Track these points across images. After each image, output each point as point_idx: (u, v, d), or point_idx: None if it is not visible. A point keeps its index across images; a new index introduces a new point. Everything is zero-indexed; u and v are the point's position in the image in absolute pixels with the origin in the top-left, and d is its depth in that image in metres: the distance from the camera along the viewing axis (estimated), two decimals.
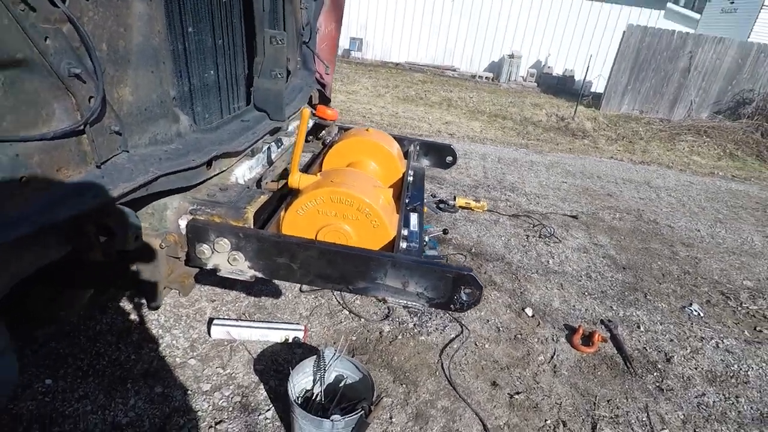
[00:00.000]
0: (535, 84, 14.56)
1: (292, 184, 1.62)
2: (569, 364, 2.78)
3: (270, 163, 1.87)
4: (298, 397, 2.11)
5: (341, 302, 3.06)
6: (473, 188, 5.50)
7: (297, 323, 2.78)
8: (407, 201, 1.92)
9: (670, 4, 14.83)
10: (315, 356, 2.11)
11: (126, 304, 2.76)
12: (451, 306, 1.35)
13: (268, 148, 1.84)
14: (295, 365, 2.15)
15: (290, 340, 2.62)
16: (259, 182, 1.68)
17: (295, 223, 1.56)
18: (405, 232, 1.61)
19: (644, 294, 3.66)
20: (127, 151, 1.11)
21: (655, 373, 2.78)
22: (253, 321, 2.77)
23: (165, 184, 1.19)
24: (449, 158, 2.62)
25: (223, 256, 1.38)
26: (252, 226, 1.35)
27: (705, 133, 10.96)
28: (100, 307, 2.71)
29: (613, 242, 4.52)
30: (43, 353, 2.37)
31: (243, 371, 2.43)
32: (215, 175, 1.45)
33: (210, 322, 2.66)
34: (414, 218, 1.75)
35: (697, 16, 16.33)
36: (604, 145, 9.55)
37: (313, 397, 2.11)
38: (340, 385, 2.18)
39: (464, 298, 1.33)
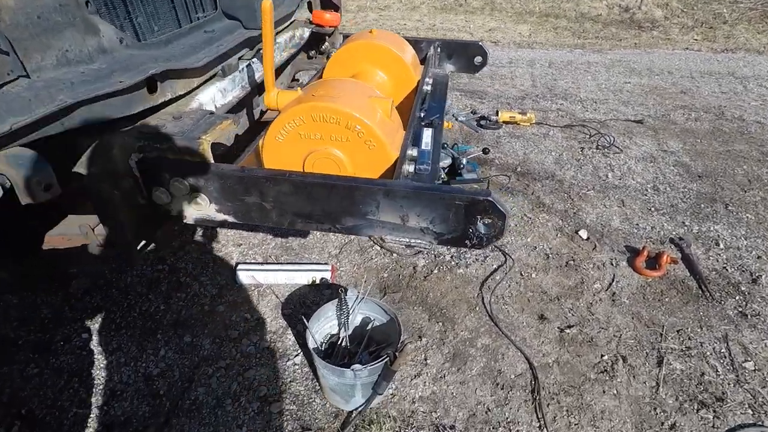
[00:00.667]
0: None
1: (269, 103, 1.33)
2: (630, 291, 2.44)
3: (254, 84, 1.56)
4: (322, 343, 1.98)
5: (372, 238, 2.85)
6: (519, 100, 4.90)
7: (324, 263, 2.62)
8: (421, 115, 1.57)
9: None
10: (336, 299, 1.93)
11: (154, 254, 2.72)
12: (467, 241, 1.05)
13: (249, 66, 1.53)
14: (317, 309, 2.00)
15: (318, 282, 2.48)
16: (235, 109, 1.40)
17: (276, 152, 1.30)
18: (413, 152, 1.29)
19: (724, 205, 3.12)
20: (27, 76, 0.87)
21: (737, 297, 2.38)
22: (279, 264, 2.64)
23: (87, 116, 0.94)
24: (478, 59, 2.17)
25: (184, 200, 1.15)
26: (212, 160, 1.10)
27: None
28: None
29: (686, 147, 3.88)
30: (79, 307, 2.39)
31: (271, 316, 2.33)
32: (167, 103, 1.19)
33: (236, 267, 2.56)
34: (427, 135, 1.41)
35: None
36: (677, 36, 8.21)
37: (339, 342, 1.97)
38: (367, 328, 2.02)
39: (482, 231, 1.03)
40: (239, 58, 1.53)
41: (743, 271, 2.56)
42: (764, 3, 9.49)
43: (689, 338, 2.16)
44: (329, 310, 1.97)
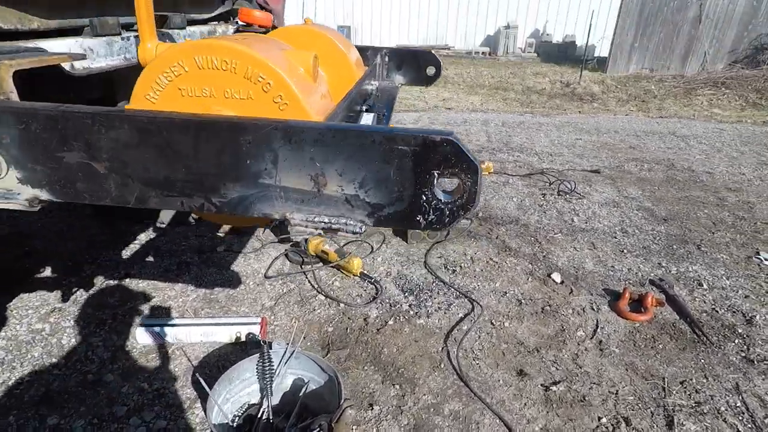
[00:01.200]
0: (535, 54, 13.76)
1: (144, 57, 0.97)
2: (619, 338, 2.08)
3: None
4: (235, 418, 1.46)
5: (315, 285, 2.40)
6: (476, 152, 4.79)
7: (254, 316, 2.13)
8: (361, 103, 1.25)
9: None
10: (257, 355, 1.45)
11: (34, 299, 2.14)
12: (419, 218, 0.68)
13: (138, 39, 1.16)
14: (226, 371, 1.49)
15: (243, 338, 1.97)
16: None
17: None
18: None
19: (696, 246, 2.94)
20: None
21: (736, 341, 2.07)
22: (195, 318, 2.12)
23: None
24: (431, 69, 1.94)
25: None
26: (15, 97, 0.71)
27: (723, 84, 10.12)
28: None
29: (646, 194, 3.79)
30: None
31: (177, 385, 1.78)
32: None
33: (140, 323, 2.02)
34: (367, 119, 1.08)
35: None
36: (615, 107, 8.78)
37: (259, 414, 1.45)
38: (300, 393, 1.52)
39: (441, 198, 0.66)
40: (125, 27, 1.19)
41: (735, 311, 2.28)
42: (685, 83, 10.53)
43: (696, 391, 1.79)
44: (246, 369, 1.47)
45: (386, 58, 1.90)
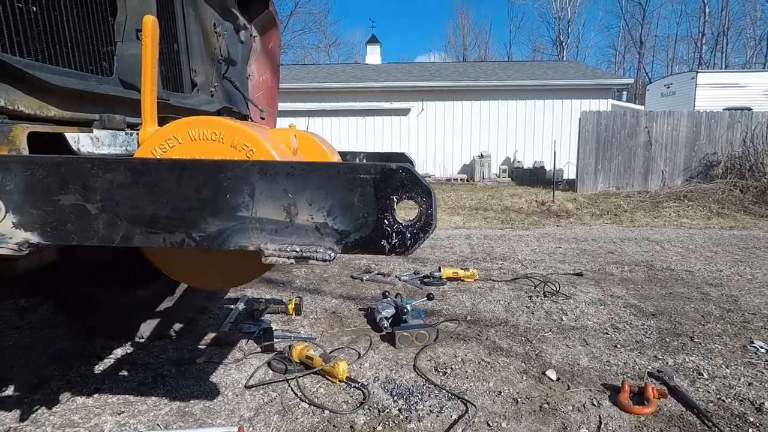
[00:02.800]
0: (509, 178, 14.91)
1: (143, 138, 1.09)
2: None
3: None
4: None
5: (298, 393, 2.25)
6: (460, 262, 4.91)
7: (230, 426, 1.96)
8: None
9: (613, 101, 16.12)
10: None
11: None
12: (383, 242, 0.73)
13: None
14: None
15: None
16: None
17: None
18: None
19: (689, 337, 2.89)
20: None
21: (750, 430, 1.94)
22: (165, 431, 1.94)
23: None
24: None
25: None
26: (26, 151, 0.79)
27: (685, 197, 10.92)
28: None
29: (630, 292, 3.84)
30: None
31: None
32: None
33: None
34: None
35: (640, 107, 17.76)
36: (590, 221, 9.27)
37: None
38: None
39: (401, 223, 0.71)
40: (131, 126, 1.35)
41: (742, 400, 2.17)
42: (650, 197, 11.34)
43: None
44: None
45: (364, 160, 2.11)
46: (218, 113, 2.04)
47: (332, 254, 0.74)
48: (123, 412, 2.11)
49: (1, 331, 3.00)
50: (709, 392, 2.25)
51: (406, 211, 0.74)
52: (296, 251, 0.73)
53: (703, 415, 2.02)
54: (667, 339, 2.88)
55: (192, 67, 1.91)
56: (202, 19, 2.06)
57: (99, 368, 2.51)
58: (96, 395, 2.23)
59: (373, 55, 21.46)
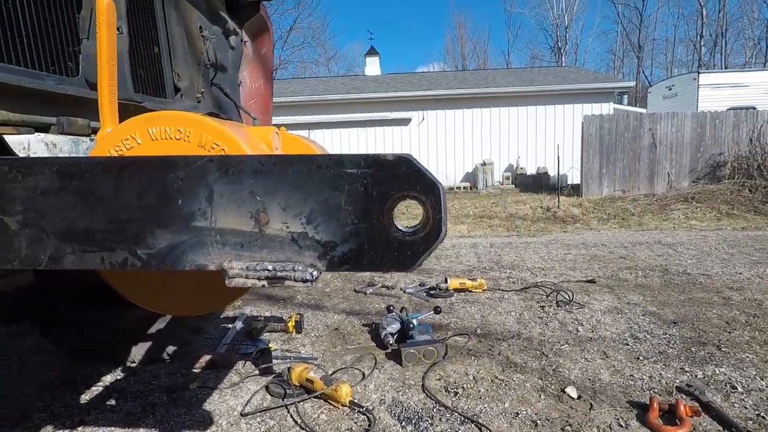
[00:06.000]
0: (513, 185, 14.75)
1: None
2: None
3: None
4: None
5: (298, 420, 2.08)
6: (467, 272, 4.74)
7: None
8: None
9: (614, 105, 15.99)
10: None
11: None
12: (379, 256, 0.57)
13: None
14: None
15: None
16: None
17: None
18: None
19: (716, 347, 2.70)
20: None
21: None
22: None
23: None
24: None
25: None
26: None
27: (693, 199, 10.72)
28: None
29: (647, 299, 3.65)
30: None
31: None
32: None
33: None
34: None
35: (642, 110, 17.63)
36: (597, 225, 9.08)
37: None
38: None
39: (402, 230, 0.56)
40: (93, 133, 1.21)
41: None
42: (657, 200, 11.14)
43: None
44: None
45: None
46: None
47: (314, 273, 0.58)
48: None
49: None
50: (746, 408, 2.06)
51: (407, 215, 0.59)
52: (268, 270, 0.58)
53: None
54: (693, 349, 2.69)
55: (175, 71, 1.78)
56: (186, 22, 1.94)
57: (85, 397, 2.34)
58: (80, 428, 2.07)
59: (373, 67, 21.47)
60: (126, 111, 1.01)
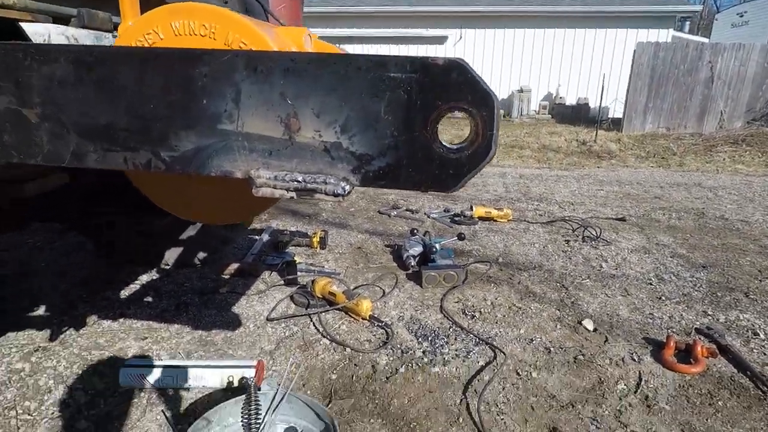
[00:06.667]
0: (549, 116, 14.04)
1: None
2: (668, 393, 1.79)
3: None
4: None
5: (320, 329, 2.19)
6: (493, 202, 4.67)
7: (249, 359, 1.92)
8: None
9: (674, 32, 14.42)
10: (244, 396, 1.25)
11: (21, 338, 1.98)
12: (419, 174, 0.52)
13: None
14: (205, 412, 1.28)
15: (236, 384, 1.75)
16: None
17: None
18: None
19: (744, 293, 2.65)
20: None
21: None
22: (184, 360, 1.93)
23: None
24: None
25: None
26: None
27: (743, 141, 10.01)
28: None
29: (678, 241, 3.55)
30: None
31: None
32: None
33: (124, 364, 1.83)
34: None
35: (705, 39, 15.90)
36: (634, 163, 8.68)
37: None
38: None
39: (447, 146, 0.50)
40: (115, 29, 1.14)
41: None
42: (704, 140, 10.45)
43: None
44: (230, 414, 1.26)
45: None
46: None
47: (346, 187, 0.54)
48: (146, 337, 2.11)
49: (33, 254, 3.05)
50: (765, 354, 2.05)
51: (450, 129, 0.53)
52: (297, 182, 0.54)
53: (758, 379, 1.84)
54: (719, 293, 2.64)
55: None
56: None
57: (125, 293, 2.51)
58: (121, 320, 2.24)
59: None
60: (147, 4, 0.93)
